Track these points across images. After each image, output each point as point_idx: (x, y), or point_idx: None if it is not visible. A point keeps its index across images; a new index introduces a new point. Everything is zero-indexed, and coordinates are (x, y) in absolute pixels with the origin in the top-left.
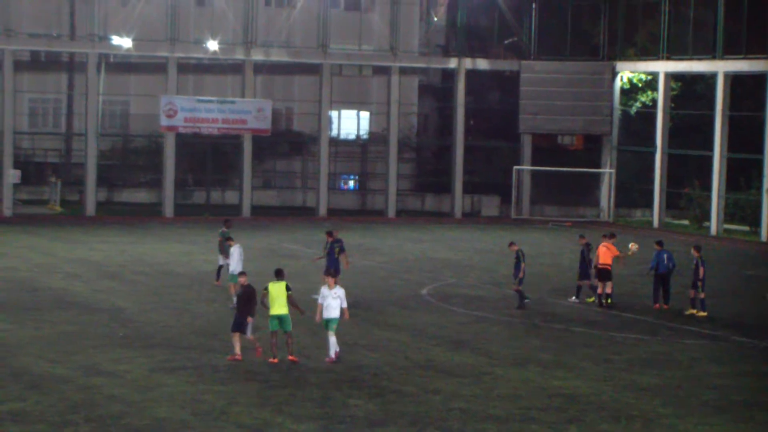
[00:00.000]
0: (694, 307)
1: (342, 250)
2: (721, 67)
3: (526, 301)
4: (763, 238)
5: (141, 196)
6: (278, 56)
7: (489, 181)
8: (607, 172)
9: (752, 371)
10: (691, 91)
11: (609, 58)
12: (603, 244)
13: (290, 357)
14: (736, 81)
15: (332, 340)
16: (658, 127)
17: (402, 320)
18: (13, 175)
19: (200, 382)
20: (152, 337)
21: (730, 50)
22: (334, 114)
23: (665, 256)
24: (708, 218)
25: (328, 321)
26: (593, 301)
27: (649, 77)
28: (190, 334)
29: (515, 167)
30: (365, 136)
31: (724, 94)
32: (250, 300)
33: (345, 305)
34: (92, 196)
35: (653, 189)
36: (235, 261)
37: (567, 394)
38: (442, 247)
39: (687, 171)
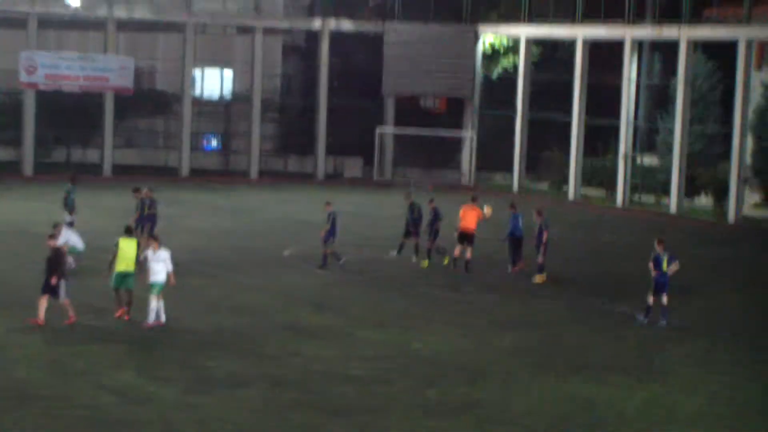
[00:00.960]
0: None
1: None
2: (580, 33)
3: (341, 261)
4: (619, 204)
5: (0, 153)
6: (141, 14)
7: (352, 142)
8: (469, 135)
9: (607, 334)
10: (552, 57)
11: (472, 22)
12: (467, 206)
13: (124, 315)
14: (594, 47)
15: (153, 304)
16: (519, 92)
17: (265, 282)
18: None
19: (60, 344)
20: (10, 297)
21: (589, 15)
22: (197, 73)
23: (519, 219)
24: (566, 182)
25: (152, 285)
26: (447, 264)
27: (511, 43)
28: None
29: (378, 129)
30: (229, 96)
31: (583, 59)
32: (59, 262)
33: (171, 269)
34: None
35: (513, 153)
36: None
37: (427, 355)
38: (304, 208)
39: (547, 136)
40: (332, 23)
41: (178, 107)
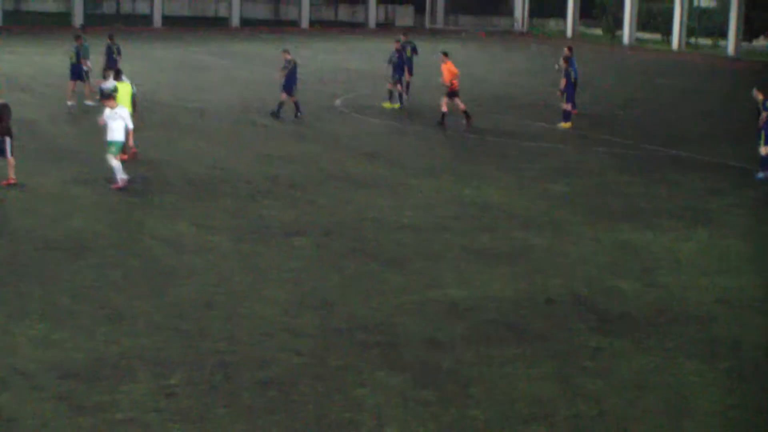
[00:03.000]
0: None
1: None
2: None
3: (299, 113)
4: (674, 47)
5: (49, 5)
6: None
7: None
8: None
9: (660, 179)
10: None
11: None
12: (445, 63)
13: (128, 156)
14: None
15: (114, 164)
16: None
17: (316, 131)
18: None
19: (114, 194)
20: (64, 149)
21: None
22: None
23: (575, 62)
24: (621, 27)
25: (110, 143)
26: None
27: None
28: (102, 145)
29: None
30: None
31: None
32: (2, 119)
33: (131, 126)
34: None
35: None
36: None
37: (479, 203)
38: (355, 57)
39: None
40: None
41: None
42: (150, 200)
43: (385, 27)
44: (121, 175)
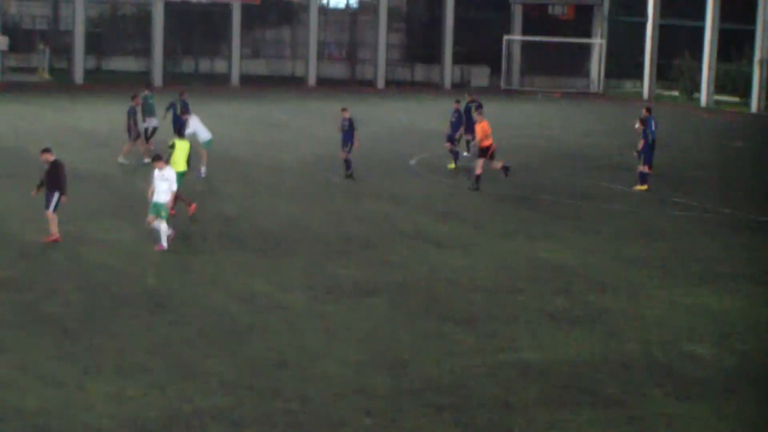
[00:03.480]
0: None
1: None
2: None
3: (349, 171)
4: (753, 110)
5: (130, 64)
6: None
7: (479, 51)
8: (598, 42)
9: (738, 243)
10: None
11: None
12: (479, 122)
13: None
14: None
15: (162, 226)
16: None
17: (390, 190)
18: (0, 42)
19: (188, 251)
20: (140, 205)
21: None
22: None
23: (653, 123)
24: (698, 89)
25: (154, 205)
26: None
27: None
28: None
29: (505, 37)
30: (355, 5)
31: None
32: (58, 176)
33: (175, 188)
34: (80, 63)
35: (644, 59)
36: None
37: (554, 265)
38: (431, 117)
39: (678, 41)
40: None
41: (305, 17)
42: (224, 257)
43: (461, 87)
44: (166, 236)
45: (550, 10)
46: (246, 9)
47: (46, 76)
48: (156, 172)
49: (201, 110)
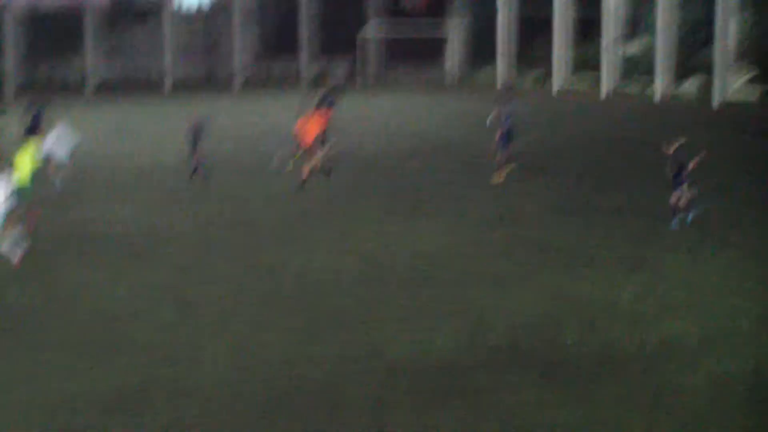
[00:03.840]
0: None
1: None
2: None
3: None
4: (603, 94)
5: None
6: None
7: (338, 45)
8: (454, 31)
9: (597, 229)
10: None
11: None
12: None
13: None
14: None
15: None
16: None
17: (253, 190)
18: None
19: (35, 263)
20: None
21: None
22: None
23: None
24: (551, 75)
25: None
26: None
27: None
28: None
29: (363, 30)
30: (208, 5)
31: None
32: None
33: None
34: None
35: (498, 47)
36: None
37: (417, 252)
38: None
39: (533, 29)
40: None
41: (159, 19)
42: (85, 263)
43: (321, 81)
44: None
45: (405, 1)
46: (99, 13)
47: None
48: None
49: (54, 119)
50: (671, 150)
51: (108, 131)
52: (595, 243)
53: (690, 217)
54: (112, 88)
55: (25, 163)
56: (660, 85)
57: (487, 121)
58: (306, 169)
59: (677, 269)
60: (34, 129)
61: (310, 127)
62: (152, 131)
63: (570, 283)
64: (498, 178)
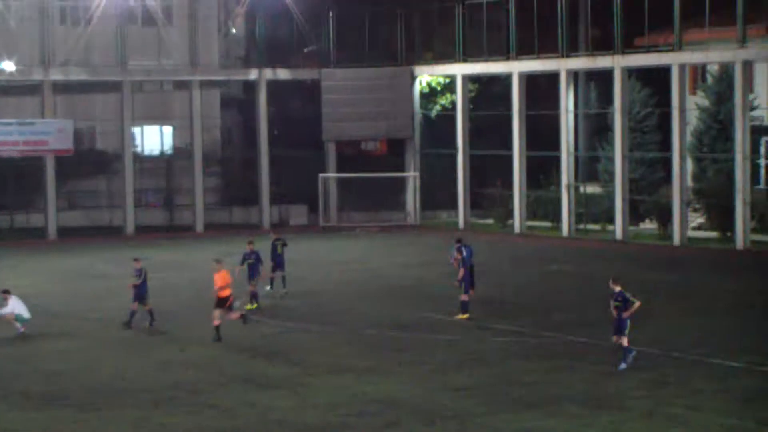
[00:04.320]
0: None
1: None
2: (515, 68)
3: (153, 321)
4: (564, 233)
5: None
6: (77, 75)
7: (296, 190)
8: (412, 175)
9: (559, 366)
10: (488, 92)
11: (408, 63)
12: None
13: None
14: (530, 81)
15: None
16: (459, 129)
17: (213, 335)
18: None
19: (11, 410)
20: None
21: (524, 51)
22: (137, 130)
23: (467, 251)
24: (511, 216)
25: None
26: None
27: (447, 80)
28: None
29: (321, 175)
30: (170, 152)
31: (520, 93)
32: None
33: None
34: None
35: (457, 190)
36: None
37: (383, 399)
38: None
39: (489, 171)
40: (269, 73)
41: (120, 166)
42: (48, 414)
43: (280, 226)
44: None
45: (363, 146)
46: (60, 161)
47: None
48: None
49: (16, 266)
50: (616, 287)
51: (72, 276)
52: (559, 380)
53: (623, 363)
54: (72, 235)
55: None
56: (621, 223)
57: (449, 258)
58: (216, 315)
59: (640, 407)
60: None
61: (224, 278)
62: (116, 275)
63: (535, 420)
64: (462, 316)
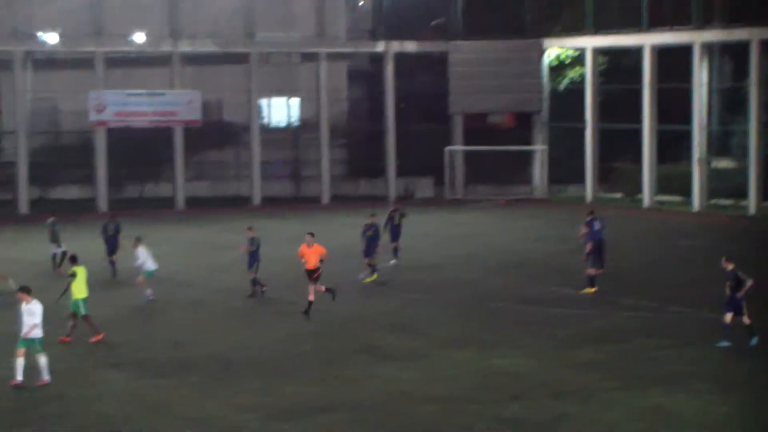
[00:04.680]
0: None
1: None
2: (647, 40)
3: (263, 289)
4: (695, 209)
5: (74, 192)
6: (205, 47)
7: (422, 163)
8: (539, 149)
9: (689, 342)
10: (618, 65)
11: (536, 36)
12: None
13: (94, 338)
14: (662, 53)
15: (41, 360)
16: (588, 103)
17: (340, 306)
18: None
19: (142, 377)
20: (90, 334)
21: (656, 22)
22: (264, 102)
23: (597, 223)
24: (640, 191)
25: (24, 341)
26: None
27: (577, 53)
28: (128, 329)
29: (447, 148)
30: (296, 123)
31: (652, 66)
32: None
33: (38, 321)
34: (25, 194)
35: (585, 164)
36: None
37: (507, 372)
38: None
39: (618, 145)
40: (396, 45)
41: (247, 137)
42: (176, 382)
43: (406, 199)
44: (47, 369)
45: (489, 119)
46: (188, 132)
47: None
48: (23, 305)
49: (145, 235)
50: (729, 267)
51: (198, 246)
52: (688, 356)
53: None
54: (200, 205)
55: (81, 276)
56: (754, 199)
57: (577, 235)
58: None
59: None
60: (113, 248)
61: (313, 253)
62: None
63: (663, 397)
64: (589, 290)
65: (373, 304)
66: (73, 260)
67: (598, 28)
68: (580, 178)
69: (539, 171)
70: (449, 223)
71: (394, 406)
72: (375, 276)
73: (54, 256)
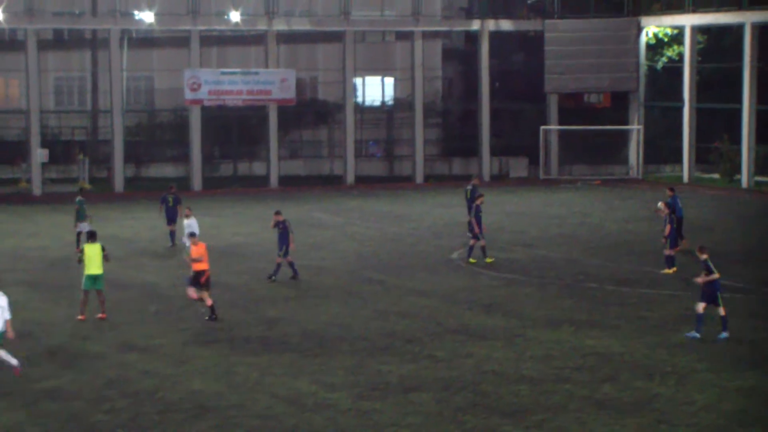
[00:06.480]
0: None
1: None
2: (748, 18)
3: (274, 277)
4: None
5: (168, 170)
6: (300, 25)
7: (516, 142)
8: (635, 128)
9: None
10: (717, 44)
11: (633, 14)
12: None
13: (100, 315)
14: (763, 31)
15: (2, 353)
16: (686, 82)
17: (433, 285)
18: (41, 155)
19: (233, 354)
20: (184, 311)
21: (757, 0)
22: (358, 81)
23: (677, 200)
24: (739, 171)
25: None
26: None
27: (675, 31)
28: (221, 306)
29: (542, 127)
30: (390, 103)
31: (752, 45)
32: None
33: (8, 317)
34: (120, 172)
35: (682, 144)
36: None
37: (600, 353)
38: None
39: (716, 125)
40: (491, 24)
41: (341, 116)
42: (268, 358)
43: (500, 179)
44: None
45: (585, 98)
46: (282, 111)
47: (87, 186)
48: None
49: (240, 212)
50: (703, 257)
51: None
52: None
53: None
54: (294, 184)
55: (92, 253)
56: None
57: (655, 211)
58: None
59: None
60: (173, 218)
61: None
62: (335, 224)
63: (759, 379)
64: (668, 271)
65: (465, 282)
66: (91, 236)
67: (697, 6)
68: (677, 159)
69: (635, 151)
70: (544, 202)
71: (485, 385)
72: (492, 259)
73: (78, 235)
